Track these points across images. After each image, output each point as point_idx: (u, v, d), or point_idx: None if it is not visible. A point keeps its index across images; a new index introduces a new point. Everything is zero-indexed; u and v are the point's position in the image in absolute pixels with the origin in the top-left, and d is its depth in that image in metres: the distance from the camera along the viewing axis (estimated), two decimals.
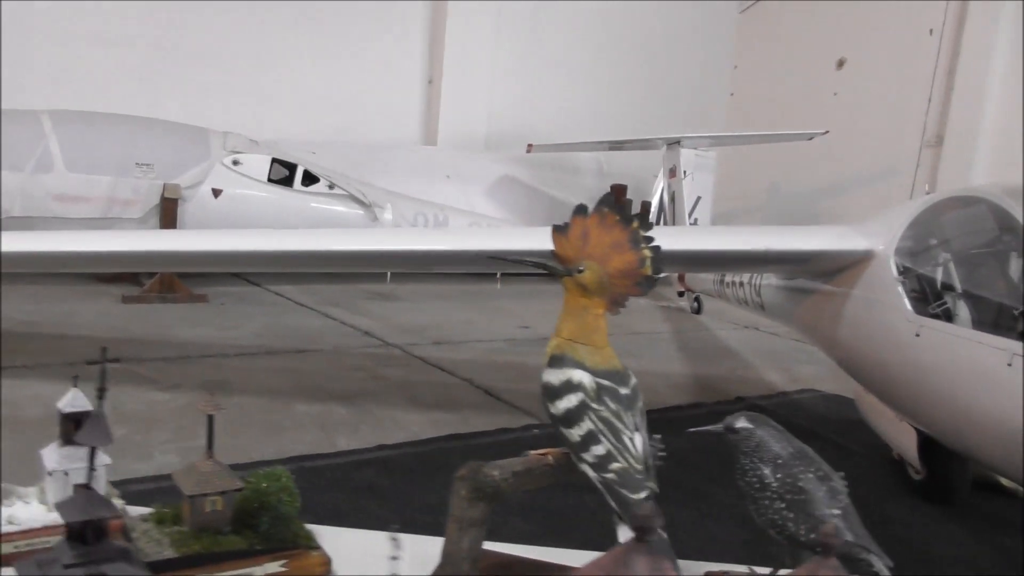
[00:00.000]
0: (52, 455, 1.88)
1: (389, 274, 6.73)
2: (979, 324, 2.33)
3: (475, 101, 8.89)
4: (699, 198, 8.43)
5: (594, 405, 1.55)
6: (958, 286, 2.46)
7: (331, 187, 6.50)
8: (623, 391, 1.57)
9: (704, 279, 6.28)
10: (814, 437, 3.75)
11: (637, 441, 1.55)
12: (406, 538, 1.94)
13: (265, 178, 6.27)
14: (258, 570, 1.66)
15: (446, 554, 1.69)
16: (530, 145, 8.01)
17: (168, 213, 5.74)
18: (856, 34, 9.62)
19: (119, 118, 5.94)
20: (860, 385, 3.26)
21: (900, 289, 2.60)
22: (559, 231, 1.59)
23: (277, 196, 6.28)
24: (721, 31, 11.01)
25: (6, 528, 1.69)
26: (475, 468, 1.65)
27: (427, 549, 1.82)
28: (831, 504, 1.46)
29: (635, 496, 1.48)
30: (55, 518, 1.70)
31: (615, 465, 1.51)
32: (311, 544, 1.78)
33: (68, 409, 1.83)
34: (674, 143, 7.83)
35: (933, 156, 8.72)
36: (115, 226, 5.65)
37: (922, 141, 8.76)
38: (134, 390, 3.61)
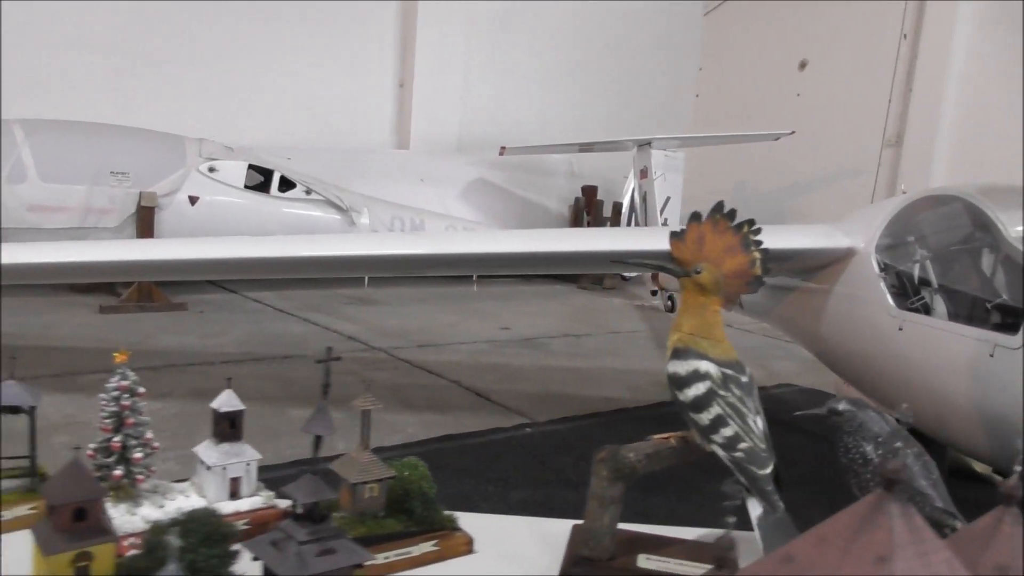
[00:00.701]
0: (210, 452, 2.12)
1: (367, 278, 6.74)
2: (961, 317, 2.45)
3: (447, 104, 8.91)
4: (668, 198, 8.55)
5: (721, 392, 1.73)
6: (939, 281, 2.58)
7: (308, 192, 6.50)
8: (743, 379, 1.76)
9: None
10: (794, 431, 3.88)
11: (759, 422, 1.74)
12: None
13: (242, 184, 6.24)
14: (415, 549, 1.89)
15: (587, 529, 1.92)
16: (503, 148, 8.07)
17: (145, 222, 5.69)
18: (817, 36, 9.85)
19: (92, 126, 5.87)
20: (841, 378, 3.38)
21: (882, 285, 2.72)
22: (676, 237, 1.77)
23: (254, 203, 6.25)
24: (687, 33, 11.18)
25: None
26: (614, 451, 1.89)
27: (549, 529, 2.18)
28: (926, 477, 1.61)
29: (762, 471, 1.68)
30: (218, 509, 1.96)
31: (743, 445, 1.70)
32: (455, 526, 2.00)
33: (224, 409, 2.06)
34: (645, 144, 7.95)
35: (893, 155, 8.96)
36: (91, 236, 5.57)
37: (883, 141, 9.00)
38: None
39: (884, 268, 2.77)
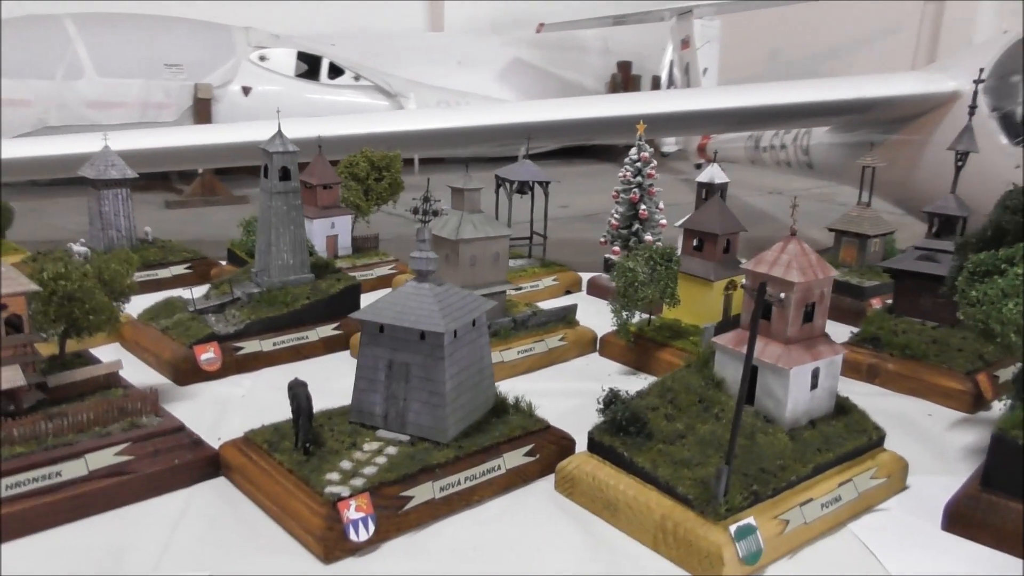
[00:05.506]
0: None
1: (417, 162, 6.75)
2: None
3: None
4: (706, 68, 8.41)
5: None
6: None
7: (357, 79, 6.43)
8: None
9: (731, 147, 6.37)
10: None
11: None
12: None
13: (292, 73, 6.17)
14: None
15: None
16: (541, 24, 7.89)
17: (202, 114, 5.67)
18: None
19: (140, 18, 5.76)
20: None
21: (995, 124, 2.74)
22: None
23: (305, 91, 6.20)
24: None
25: None
26: None
27: None
28: None
29: None
30: None
31: None
32: None
33: (717, 180, 2.62)
34: (686, 13, 7.76)
35: (936, 9, 8.71)
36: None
37: None
38: None
39: (994, 108, 2.79)
